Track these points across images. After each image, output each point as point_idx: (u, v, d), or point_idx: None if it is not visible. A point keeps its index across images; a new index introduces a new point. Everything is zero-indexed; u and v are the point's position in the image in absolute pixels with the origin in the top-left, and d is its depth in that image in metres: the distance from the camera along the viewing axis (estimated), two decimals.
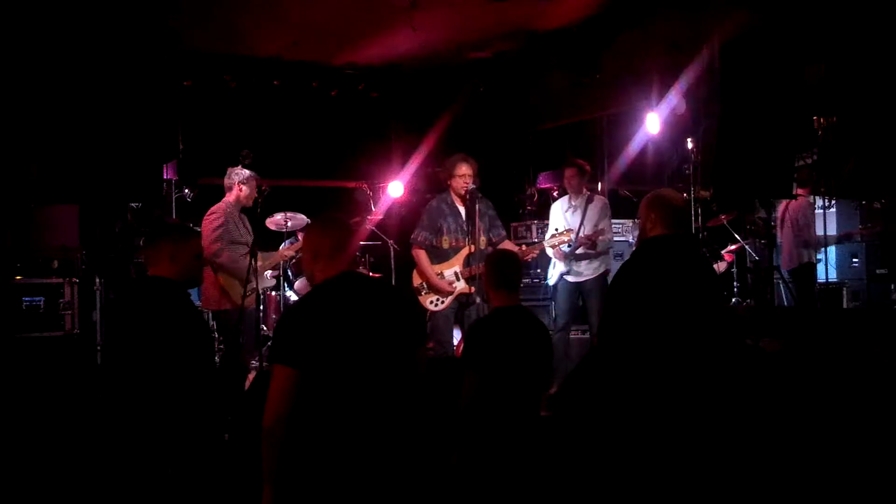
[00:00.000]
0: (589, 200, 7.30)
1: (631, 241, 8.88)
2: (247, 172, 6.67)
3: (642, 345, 3.74)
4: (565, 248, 7.02)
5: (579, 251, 7.10)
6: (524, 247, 6.94)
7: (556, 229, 6.94)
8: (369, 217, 8.88)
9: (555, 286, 7.31)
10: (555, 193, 8.99)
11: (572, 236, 6.79)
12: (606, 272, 7.22)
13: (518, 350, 4.13)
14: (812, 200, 8.59)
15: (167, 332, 3.65)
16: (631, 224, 8.73)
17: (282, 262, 7.64)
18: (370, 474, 3.11)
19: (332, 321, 3.10)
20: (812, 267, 8.41)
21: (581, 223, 7.18)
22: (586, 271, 7.17)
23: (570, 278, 7.19)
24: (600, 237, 7.08)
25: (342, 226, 3.39)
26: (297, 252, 7.00)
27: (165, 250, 3.79)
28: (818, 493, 4.96)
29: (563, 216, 7.35)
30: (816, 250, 8.40)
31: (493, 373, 4.08)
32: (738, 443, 4.66)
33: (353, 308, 3.16)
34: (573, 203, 7.36)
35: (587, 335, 7.43)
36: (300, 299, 3.45)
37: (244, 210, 6.71)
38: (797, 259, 8.33)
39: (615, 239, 8.70)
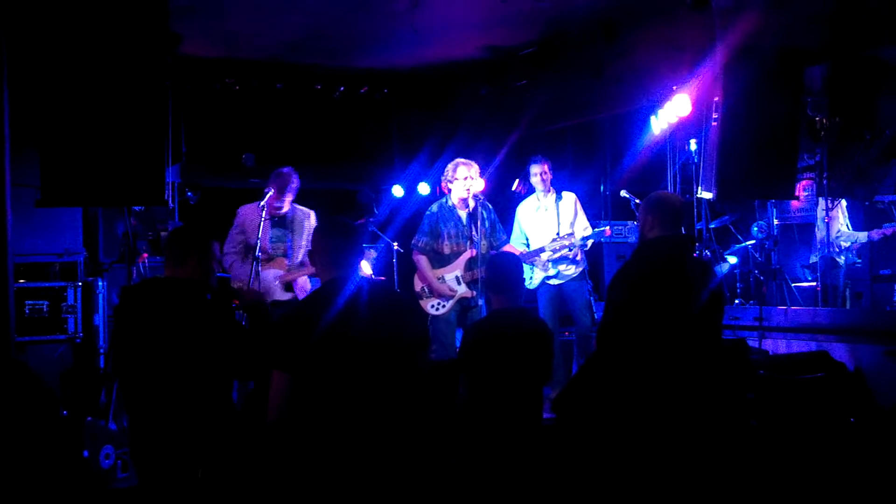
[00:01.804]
0: (558, 198, 7.07)
1: (632, 242, 8.86)
2: (282, 171, 6.44)
3: (641, 345, 3.75)
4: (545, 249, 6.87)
5: (559, 253, 6.87)
6: (526, 254, 6.87)
7: (558, 234, 6.85)
8: (372, 219, 8.88)
9: (537, 291, 7.07)
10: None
11: (573, 241, 6.69)
12: (585, 270, 7.07)
13: (513, 351, 4.13)
14: (816, 201, 8.58)
15: (199, 334, 3.66)
16: (633, 225, 8.71)
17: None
18: (370, 476, 3.12)
19: (327, 326, 3.11)
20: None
21: (558, 222, 7.01)
22: (567, 272, 6.94)
23: (552, 282, 6.98)
24: (584, 233, 6.93)
25: (345, 229, 3.39)
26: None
27: (194, 252, 3.79)
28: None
29: (533, 218, 7.11)
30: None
31: (488, 374, 4.08)
32: (737, 442, 4.66)
33: (352, 312, 3.16)
34: (541, 202, 7.10)
35: (573, 337, 7.28)
36: (298, 303, 3.46)
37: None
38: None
39: (616, 240, 8.67)
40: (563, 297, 7.01)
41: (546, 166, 7.05)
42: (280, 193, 6.36)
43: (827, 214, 8.24)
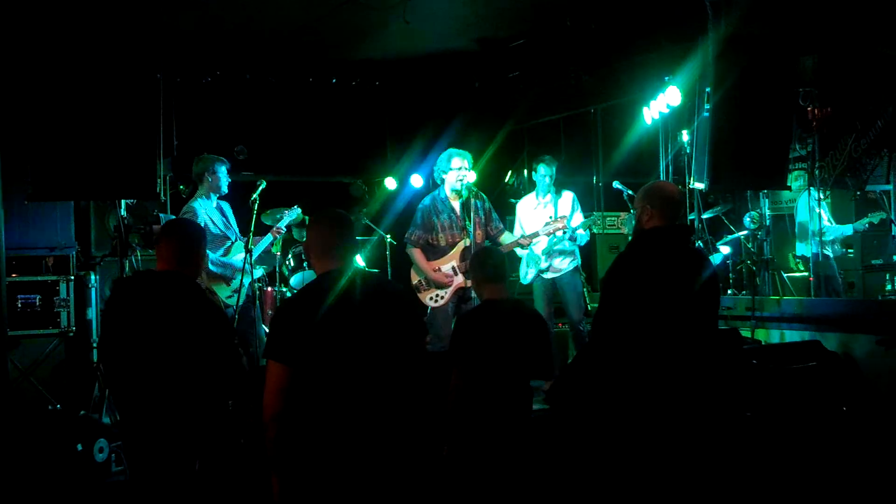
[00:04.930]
0: (557, 195, 7.19)
1: (624, 233, 8.89)
2: (212, 157, 6.57)
3: (638, 336, 3.75)
4: (541, 244, 6.94)
5: (556, 248, 7.02)
6: (522, 239, 6.88)
7: (551, 217, 6.91)
8: (364, 211, 8.88)
9: (532, 285, 7.21)
10: None
11: (566, 223, 6.73)
12: (578, 265, 7.18)
13: (507, 342, 4.13)
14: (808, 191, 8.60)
15: (203, 328, 3.66)
16: (625, 216, 8.73)
17: (278, 259, 7.64)
18: (366, 467, 3.12)
19: (324, 317, 3.10)
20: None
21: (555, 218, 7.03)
22: (561, 266, 7.10)
23: (546, 276, 7.11)
24: (580, 231, 7.04)
25: (340, 221, 3.38)
26: (280, 233, 6.89)
27: (197, 249, 3.80)
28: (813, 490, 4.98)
29: (531, 214, 7.22)
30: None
31: (479, 366, 4.08)
32: (731, 436, 4.67)
33: (348, 303, 3.16)
34: (541, 200, 7.23)
35: (566, 328, 7.40)
36: (294, 294, 3.46)
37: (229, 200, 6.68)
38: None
39: (608, 231, 8.71)
40: (557, 290, 7.16)
41: (554, 169, 7.19)
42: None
43: (819, 205, 8.25)
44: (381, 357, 3.19)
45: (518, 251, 7.05)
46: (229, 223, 6.57)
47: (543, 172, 7.17)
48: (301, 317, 3.13)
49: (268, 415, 3.07)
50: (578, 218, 7.16)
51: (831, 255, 8.42)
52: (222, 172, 6.50)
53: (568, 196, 7.24)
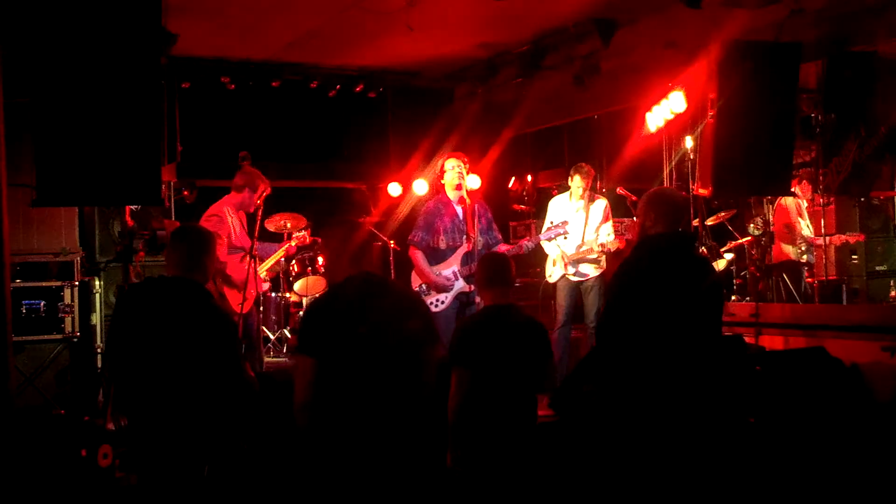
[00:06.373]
0: (590, 201, 7.27)
1: (627, 239, 8.90)
2: (260, 176, 6.57)
3: (640, 342, 3.75)
4: (569, 249, 7.04)
5: (582, 250, 7.11)
6: (523, 241, 6.91)
7: (552, 221, 6.96)
8: (368, 217, 8.89)
9: (555, 284, 7.33)
10: (553, 192, 8.97)
11: (567, 227, 6.78)
12: (605, 271, 7.26)
13: (505, 346, 4.14)
14: (811, 197, 8.61)
15: (209, 334, 3.68)
16: (629, 223, 8.73)
17: (282, 263, 7.64)
18: (373, 466, 3.21)
19: (348, 316, 3.29)
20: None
21: (585, 225, 7.20)
22: (587, 270, 7.21)
23: (572, 277, 7.23)
24: (606, 241, 7.13)
25: (354, 229, 3.57)
26: (290, 253, 6.94)
27: (206, 255, 3.82)
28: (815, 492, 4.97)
29: (561, 215, 7.30)
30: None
31: (480, 369, 4.09)
32: (734, 442, 4.67)
33: (368, 306, 3.32)
34: (574, 203, 7.34)
35: (583, 333, 7.46)
36: (322, 295, 3.61)
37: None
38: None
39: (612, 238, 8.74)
40: (579, 294, 7.29)
41: (590, 179, 7.29)
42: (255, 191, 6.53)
43: (823, 210, 8.26)
44: (394, 360, 3.33)
45: (546, 249, 7.11)
46: (245, 232, 6.59)
47: (577, 184, 7.28)
48: (326, 314, 3.38)
49: (296, 405, 3.27)
50: (607, 228, 7.30)
51: (808, 260, 8.47)
52: (259, 194, 6.47)
53: (601, 204, 7.37)
